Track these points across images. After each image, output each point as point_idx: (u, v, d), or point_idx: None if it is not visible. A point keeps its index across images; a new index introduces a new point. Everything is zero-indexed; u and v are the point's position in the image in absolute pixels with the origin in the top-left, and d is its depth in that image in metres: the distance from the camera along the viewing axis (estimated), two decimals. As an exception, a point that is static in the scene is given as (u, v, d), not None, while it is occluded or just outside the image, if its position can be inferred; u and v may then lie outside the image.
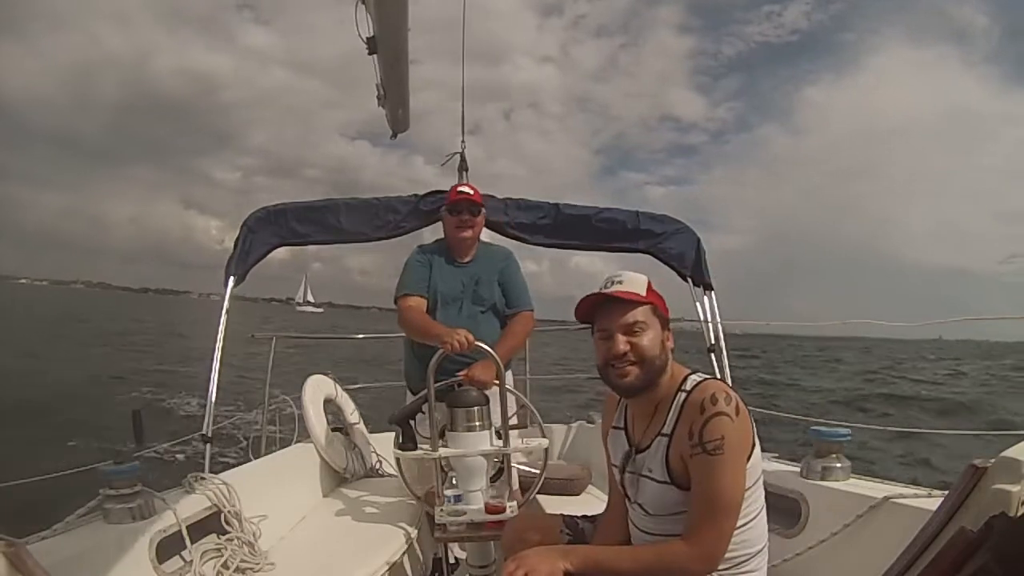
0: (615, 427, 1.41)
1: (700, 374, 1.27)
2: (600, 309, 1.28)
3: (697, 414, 1.15)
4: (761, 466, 1.23)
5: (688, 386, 1.23)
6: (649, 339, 1.23)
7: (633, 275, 1.29)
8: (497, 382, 1.95)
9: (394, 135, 3.14)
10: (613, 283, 1.27)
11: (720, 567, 1.19)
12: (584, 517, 1.54)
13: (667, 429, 1.22)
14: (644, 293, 1.26)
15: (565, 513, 1.55)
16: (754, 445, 1.20)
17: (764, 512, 1.25)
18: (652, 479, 1.25)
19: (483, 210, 2.43)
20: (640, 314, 1.24)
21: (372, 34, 2.27)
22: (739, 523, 1.18)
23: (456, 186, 2.48)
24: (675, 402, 1.23)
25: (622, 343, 1.23)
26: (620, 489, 1.38)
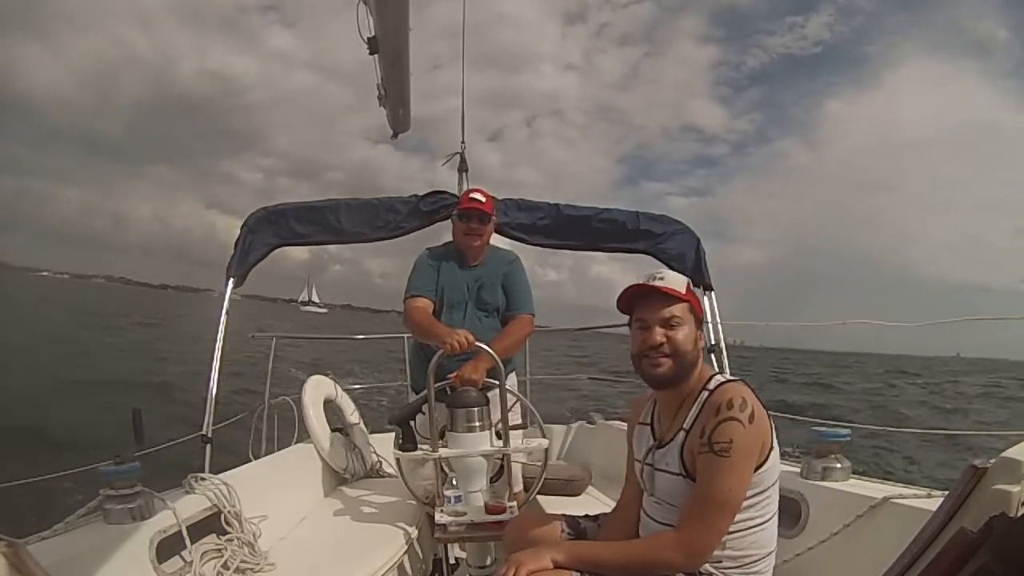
0: (642, 423, 1.45)
1: (725, 376, 1.32)
2: (640, 301, 1.33)
3: (713, 415, 1.20)
4: (778, 471, 1.26)
5: (712, 385, 1.28)
6: (684, 334, 1.28)
7: (674, 274, 1.35)
8: (491, 380, 1.95)
9: (395, 135, 3.15)
10: (656, 278, 1.32)
11: (730, 566, 1.22)
12: (586, 516, 1.55)
13: (687, 425, 1.27)
14: (684, 291, 1.31)
15: (566, 513, 1.56)
16: (771, 450, 1.23)
17: (776, 517, 1.29)
18: (668, 472, 1.29)
19: (493, 218, 2.40)
20: (678, 310, 1.30)
21: (373, 34, 2.28)
22: (752, 524, 1.22)
23: (468, 192, 2.42)
24: (698, 400, 1.28)
25: (659, 335, 1.28)
26: (639, 482, 1.42)
